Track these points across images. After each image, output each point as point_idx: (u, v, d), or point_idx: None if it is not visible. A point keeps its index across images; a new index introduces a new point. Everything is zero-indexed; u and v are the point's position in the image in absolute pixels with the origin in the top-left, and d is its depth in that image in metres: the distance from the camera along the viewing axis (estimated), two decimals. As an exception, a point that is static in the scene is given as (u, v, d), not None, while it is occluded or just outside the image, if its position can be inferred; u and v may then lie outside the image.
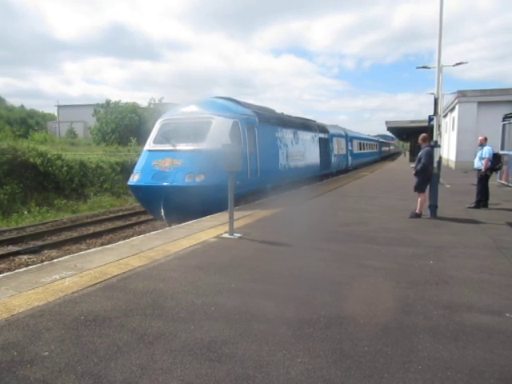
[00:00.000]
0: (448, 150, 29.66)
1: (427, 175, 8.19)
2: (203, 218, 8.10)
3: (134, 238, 6.60)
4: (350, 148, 25.77)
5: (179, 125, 10.27)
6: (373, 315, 3.35)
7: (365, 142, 34.36)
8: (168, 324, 3.17)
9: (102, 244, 9.45)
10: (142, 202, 10.18)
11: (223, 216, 7.79)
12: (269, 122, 12.65)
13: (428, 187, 8.30)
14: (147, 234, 6.97)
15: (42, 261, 8.23)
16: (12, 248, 9.49)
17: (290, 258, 5.16)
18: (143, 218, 13.16)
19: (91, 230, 11.72)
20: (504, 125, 15.39)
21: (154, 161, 9.57)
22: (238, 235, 6.33)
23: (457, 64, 22.84)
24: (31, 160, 15.96)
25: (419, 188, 8.22)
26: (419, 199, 8.20)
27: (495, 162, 9.57)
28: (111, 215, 14.21)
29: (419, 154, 8.33)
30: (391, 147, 70.08)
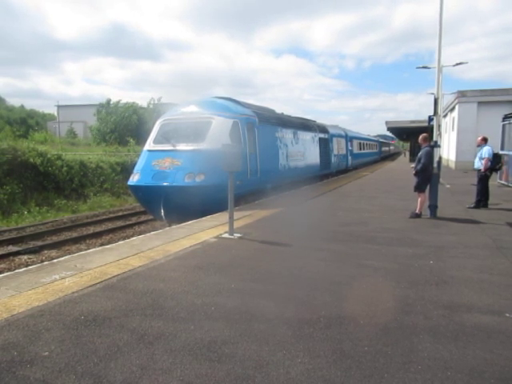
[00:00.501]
0: (448, 150, 29.66)
1: (427, 175, 8.19)
2: (203, 218, 8.10)
3: (134, 238, 6.60)
4: (349, 148, 25.77)
5: (179, 125, 10.27)
6: (373, 315, 3.35)
7: (365, 142, 34.37)
8: (168, 324, 3.17)
9: (102, 244, 9.45)
10: (142, 202, 10.18)
11: (223, 216, 7.79)
12: (269, 122, 12.65)
13: (428, 187, 8.30)
14: (147, 234, 6.97)
15: (42, 261, 8.24)
16: (12, 248, 9.49)
17: (290, 258, 5.16)
18: (143, 218, 13.16)
19: (91, 230, 11.72)
20: (504, 125, 15.39)
21: (153, 161, 9.57)
22: (238, 235, 6.33)
23: (457, 64, 22.85)
24: (31, 160, 15.97)
25: (419, 188, 8.22)
26: (419, 199, 8.20)
27: (495, 162, 9.57)
28: (111, 215, 14.21)
29: (419, 154, 8.34)
30: (391, 147, 70.09)
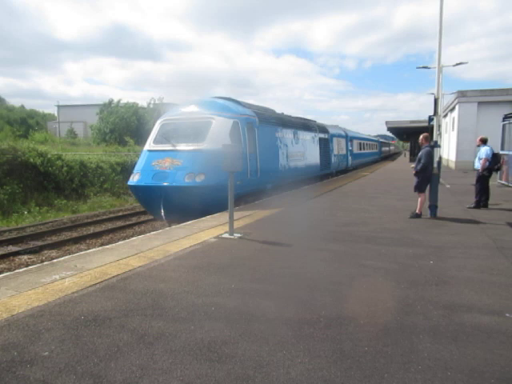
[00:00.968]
0: (448, 150, 29.67)
1: (427, 175, 8.19)
2: (203, 218, 8.10)
3: (133, 238, 6.60)
4: (350, 148, 25.76)
5: (179, 125, 10.27)
6: (373, 315, 3.35)
7: (365, 142, 34.36)
8: (168, 324, 3.17)
9: (102, 244, 9.45)
10: (142, 202, 10.18)
11: (223, 216, 7.79)
12: (269, 122, 12.65)
13: (428, 187, 8.30)
14: (147, 234, 6.97)
15: (42, 261, 8.24)
16: (12, 248, 9.49)
17: (290, 258, 5.16)
18: (143, 218, 13.17)
19: (91, 230, 11.72)
20: (504, 125, 15.39)
21: (154, 161, 9.57)
22: (238, 235, 6.33)
23: (457, 64, 22.86)
24: (31, 160, 15.98)
25: (419, 188, 8.22)
26: (419, 199, 8.19)
27: (494, 162, 9.57)
28: (111, 215, 14.21)
29: (419, 154, 8.34)
30: (391, 147, 70.08)
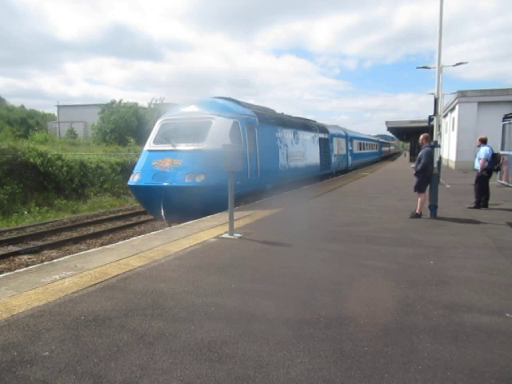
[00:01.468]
0: (448, 150, 29.67)
1: (427, 175, 8.19)
2: (203, 218, 8.10)
3: (134, 238, 6.60)
4: (350, 148, 25.76)
5: (179, 125, 10.27)
6: (373, 315, 3.35)
7: (365, 142, 34.36)
8: (168, 324, 3.17)
9: (102, 244, 9.45)
10: (142, 202, 10.18)
11: (223, 216, 7.79)
12: (269, 122, 12.65)
13: (428, 187, 8.30)
14: (147, 234, 6.97)
15: (42, 261, 8.24)
16: (12, 248, 9.49)
17: (290, 258, 5.16)
18: (143, 218, 13.17)
19: (91, 230, 11.72)
20: (504, 125, 15.39)
21: (154, 161, 9.57)
22: (238, 235, 6.33)
23: (457, 64, 22.86)
24: (31, 160, 15.98)
25: (419, 188, 8.22)
26: (419, 199, 8.19)
27: (493, 162, 9.57)
28: (111, 215, 14.21)
29: (419, 153, 8.34)
30: (391, 147, 70.07)
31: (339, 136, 22.92)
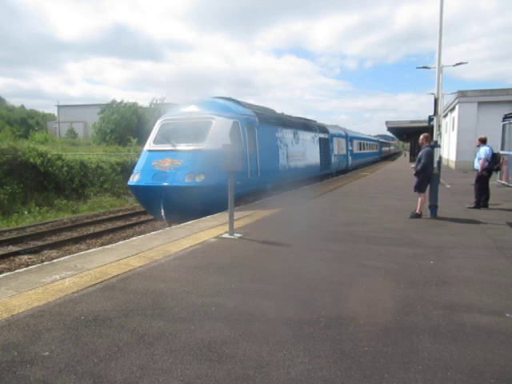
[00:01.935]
0: (448, 150, 29.66)
1: (427, 175, 8.19)
2: (203, 218, 8.10)
3: (134, 238, 6.60)
4: (350, 148, 25.76)
5: (179, 125, 10.27)
6: (373, 315, 3.35)
7: (365, 142, 34.36)
8: (168, 324, 3.17)
9: (102, 244, 9.45)
10: (142, 202, 10.18)
11: (223, 216, 7.79)
12: (269, 122, 12.65)
13: (428, 187, 8.30)
14: (147, 234, 6.97)
15: (42, 261, 8.24)
16: (12, 248, 9.49)
17: (290, 258, 5.16)
18: (143, 218, 13.16)
19: (91, 230, 11.72)
20: (504, 125, 15.39)
21: (154, 161, 9.57)
22: (238, 235, 6.33)
23: (457, 64, 22.86)
24: (31, 160, 15.98)
25: (419, 188, 8.22)
26: (419, 199, 8.19)
27: (493, 162, 9.57)
28: (111, 215, 14.21)
29: (419, 153, 8.34)
30: (391, 147, 70.07)
31: (339, 136, 22.92)
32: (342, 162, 23.47)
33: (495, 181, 14.24)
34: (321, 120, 23.79)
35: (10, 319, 3.25)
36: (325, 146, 19.10)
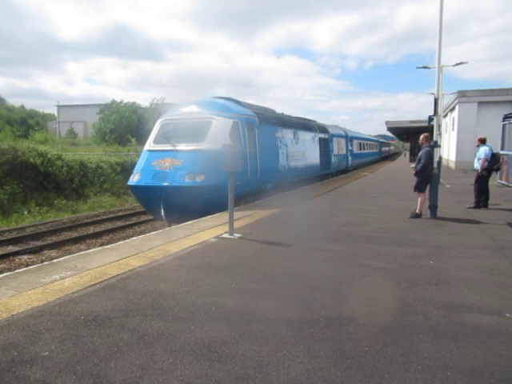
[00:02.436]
0: (448, 150, 29.66)
1: (427, 175, 8.19)
2: (203, 218, 8.10)
3: (133, 238, 6.60)
4: (350, 148, 25.76)
5: (179, 125, 10.27)
6: (373, 315, 3.35)
7: (365, 142, 34.36)
8: (168, 324, 3.17)
9: (102, 244, 9.45)
10: (142, 202, 10.18)
11: (223, 216, 7.79)
12: (269, 122, 12.65)
13: (428, 187, 8.29)
14: (147, 234, 6.97)
15: (42, 261, 8.24)
16: (12, 248, 9.49)
17: (290, 258, 5.16)
18: (143, 218, 13.16)
19: (91, 230, 11.72)
20: (504, 125, 15.40)
21: (154, 161, 9.57)
22: (238, 235, 6.33)
23: (457, 64, 22.86)
24: (31, 160, 15.98)
25: (419, 188, 8.22)
26: (419, 199, 8.19)
27: (493, 162, 9.57)
28: (111, 215, 14.21)
29: (419, 153, 8.34)
30: (391, 147, 70.07)
31: (339, 136, 22.92)
32: (342, 162, 23.47)
33: (495, 181, 14.24)
34: (321, 120, 23.82)
35: (9, 319, 3.24)
36: (325, 146, 19.10)
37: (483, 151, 9.48)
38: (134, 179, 9.57)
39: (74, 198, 16.75)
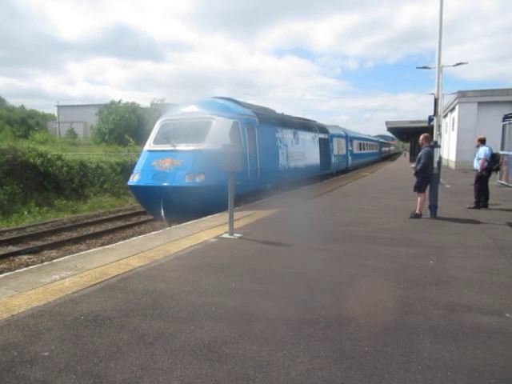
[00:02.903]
0: (448, 150, 29.66)
1: (427, 175, 8.19)
2: (203, 218, 8.10)
3: (134, 239, 6.60)
4: (350, 148, 25.76)
5: (179, 125, 10.27)
6: (373, 315, 3.35)
7: (365, 142, 34.36)
8: (168, 324, 3.17)
9: (102, 244, 9.45)
10: (142, 202, 10.18)
11: (223, 216, 7.79)
12: (269, 122, 12.65)
13: (428, 187, 8.30)
14: (147, 234, 6.97)
15: (42, 261, 8.24)
16: (12, 248, 9.49)
17: (290, 258, 5.16)
18: (143, 218, 13.16)
19: (91, 230, 11.72)
20: (504, 125, 15.40)
21: (154, 161, 9.57)
22: (238, 235, 6.33)
23: (457, 64, 22.85)
24: (31, 160, 15.98)
25: (419, 188, 8.22)
26: (419, 199, 8.19)
27: (493, 162, 9.57)
28: (111, 215, 14.21)
29: (419, 154, 8.34)
30: (391, 147, 70.06)
31: (339, 136, 22.92)
32: (342, 162, 23.47)
33: (495, 181, 14.24)
34: (321, 120, 23.83)
35: (9, 319, 3.25)
36: (325, 146, 19.10)
37: (483, 151, 9.48)
38: (134, 179, 9.57)
39: (74, 198, 16.75)
